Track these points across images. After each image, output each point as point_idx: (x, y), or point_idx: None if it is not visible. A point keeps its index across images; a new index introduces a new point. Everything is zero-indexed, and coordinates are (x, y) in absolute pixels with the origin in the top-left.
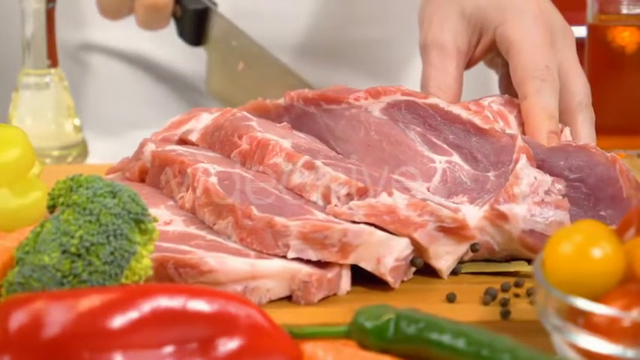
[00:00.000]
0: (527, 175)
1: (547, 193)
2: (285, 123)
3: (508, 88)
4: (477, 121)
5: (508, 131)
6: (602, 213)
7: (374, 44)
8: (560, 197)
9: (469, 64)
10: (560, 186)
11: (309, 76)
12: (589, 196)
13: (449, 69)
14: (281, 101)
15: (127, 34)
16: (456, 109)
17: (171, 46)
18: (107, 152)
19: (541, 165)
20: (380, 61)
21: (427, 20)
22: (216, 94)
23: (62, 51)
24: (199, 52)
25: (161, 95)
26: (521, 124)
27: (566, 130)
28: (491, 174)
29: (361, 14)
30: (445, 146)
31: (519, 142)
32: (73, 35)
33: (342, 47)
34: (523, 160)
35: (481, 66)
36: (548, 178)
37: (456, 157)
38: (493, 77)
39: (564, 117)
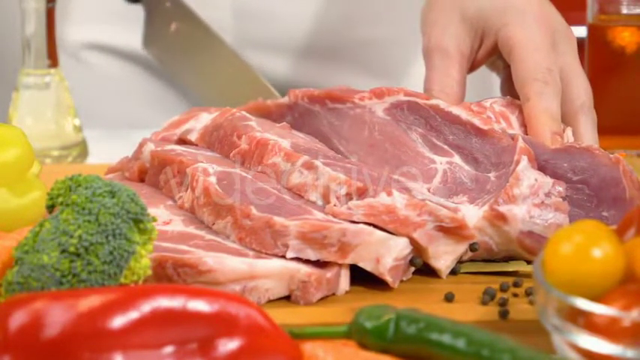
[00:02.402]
0: (527, 176)
1: (547, 195)
2: (284, 123)
3: (510, 91)
4: (477, 122)
5: (510, 132)
6: (604, 214)
7: (377, 45)
8: (561, 200)
9: (472, 67)
10: (560, 188)
11: (312, 76)
12: (592, 197)
13: (452, 73)
14: (284, 100)
15: (127, 33)
16: (456, 110)
17: None
18: (107, 152)
19: (544, 166)
20: (383, 61)
21: (430, 25)
22: (151, 52)
23: (63, 50)
24: None
25: (161, 95)
26: (523, 125)
27: (568, 131)
28: (491, 175)
29: (365, 15)
30: (446, 147)
31: (520, 143)
32: (74, 35)
33: (345, 47)
34: (524, 161)
35: (483, 68)
36: (548, 180)
37: (456, 158)
38: (495, 80)
39: (567, 119)
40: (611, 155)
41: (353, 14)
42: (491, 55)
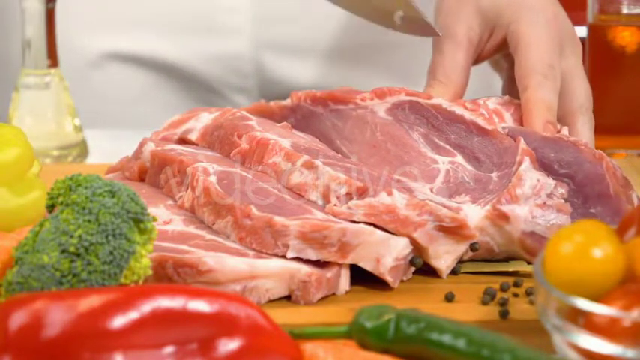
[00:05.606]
0: (530, 177)
1: (549, 196)
2: (284, 123)
3: (511, 93)
4: (480, 121)
5: (502, 125)
6: (591, 210)
7: (401, 48)
8: (562, 201)
9: (478, 59)
10: (562, 190)
11: (334, 81)
12: (577, 193)
13: (458, 58)
14: (287, 102)
15: (128, 34)
16: (458, 110)
17: (172, 44)
18: (107, 152)
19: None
20: (407, 65)
21: (443, 12)
22: None
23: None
24: (202, 51)
25: (161, 94)
26: (517, 121)
27: (564, 130)
28: (494, 175)
29: None
30: (448, 147)
31: (522, 144)
32: (77, 36)
33: (368, 51)
34: (526, 162)
35: (485, 69)
36: (550, 182)
37: (459, 158)
38: (496, 82)
39: (564, 119)
40: (596, 152)
41: None
42: (499, 50)
